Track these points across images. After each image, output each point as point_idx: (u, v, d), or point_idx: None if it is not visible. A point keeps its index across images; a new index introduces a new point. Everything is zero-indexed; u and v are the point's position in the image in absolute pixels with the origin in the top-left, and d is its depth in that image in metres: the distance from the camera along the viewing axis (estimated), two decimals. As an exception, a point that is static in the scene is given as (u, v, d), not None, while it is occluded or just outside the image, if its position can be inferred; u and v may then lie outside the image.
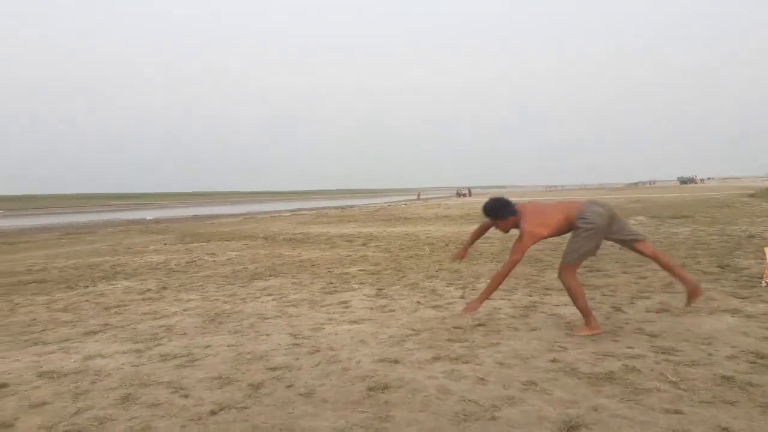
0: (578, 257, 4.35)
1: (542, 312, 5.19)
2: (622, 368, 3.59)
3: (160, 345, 4.60)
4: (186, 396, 3.43)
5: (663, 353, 3.86)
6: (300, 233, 16.38)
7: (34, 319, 5.88)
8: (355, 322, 5.11)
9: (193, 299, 6.59)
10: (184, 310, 5.96)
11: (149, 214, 43.99)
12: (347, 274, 8.06)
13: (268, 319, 5.39)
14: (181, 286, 7.65)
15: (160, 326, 5.27)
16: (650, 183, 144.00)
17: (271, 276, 8.18)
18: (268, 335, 4.78)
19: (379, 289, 6.66)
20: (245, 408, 3.22)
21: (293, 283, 7.47)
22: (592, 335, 4.30)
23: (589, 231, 4.27)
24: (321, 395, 3.36)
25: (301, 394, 3.39)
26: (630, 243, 4.49)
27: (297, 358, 4.09)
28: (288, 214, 35.56)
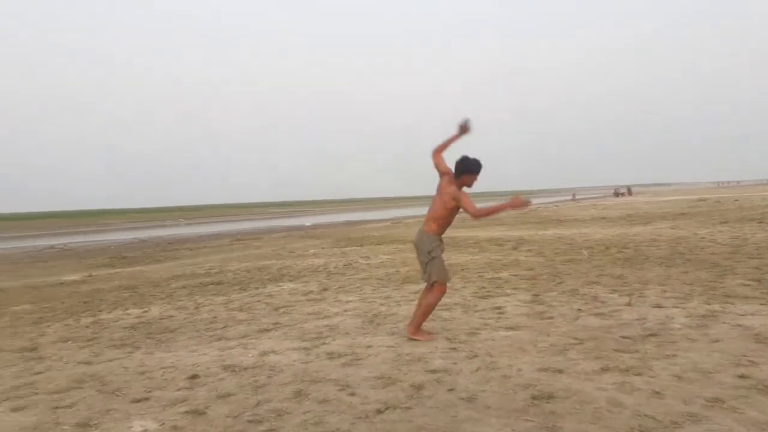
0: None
1: (724, 322, 4.69)
2: (832, 389, 3.13)
3: (325, 344, 4.88)
4: (353, 394, 3.60)
5: None
6: (446, 237, 16.43)
7: (215, 317, 6.54)
8: (511, 328, 5.00)
9: (351, 300, 6.90)
10: (345, 311, 6.26)
11: (307, 221, 46.86)
12: (499, 278, 7.91)
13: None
14: (340, 287, 8.05)
15: (324, 326, 5.59)
16: None
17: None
18: (425, 338, 4.85)
19: (534, 295, 6.44)
20: (409, 408, 3.30)
21: (446, 286, 7.48)
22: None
23: None
24: (483, 401, 3.34)
25: (462, 399, 3.39)
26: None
27: (455, 363, 4.10)
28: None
